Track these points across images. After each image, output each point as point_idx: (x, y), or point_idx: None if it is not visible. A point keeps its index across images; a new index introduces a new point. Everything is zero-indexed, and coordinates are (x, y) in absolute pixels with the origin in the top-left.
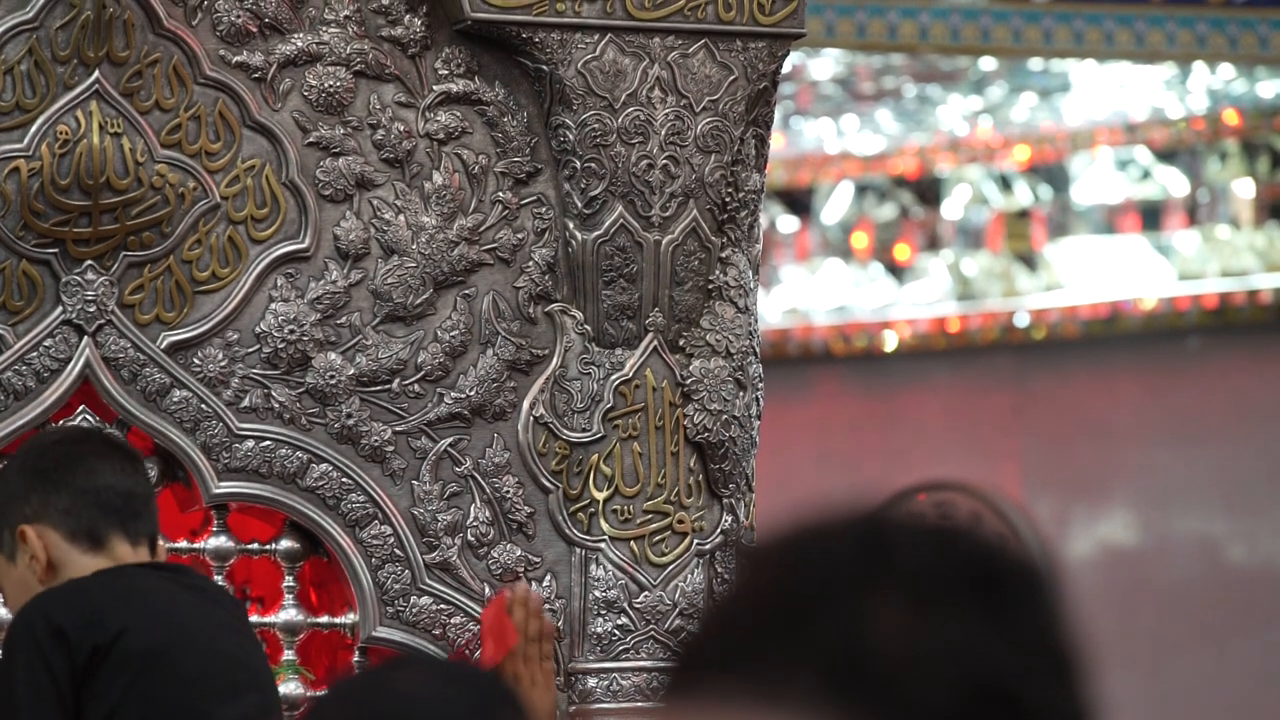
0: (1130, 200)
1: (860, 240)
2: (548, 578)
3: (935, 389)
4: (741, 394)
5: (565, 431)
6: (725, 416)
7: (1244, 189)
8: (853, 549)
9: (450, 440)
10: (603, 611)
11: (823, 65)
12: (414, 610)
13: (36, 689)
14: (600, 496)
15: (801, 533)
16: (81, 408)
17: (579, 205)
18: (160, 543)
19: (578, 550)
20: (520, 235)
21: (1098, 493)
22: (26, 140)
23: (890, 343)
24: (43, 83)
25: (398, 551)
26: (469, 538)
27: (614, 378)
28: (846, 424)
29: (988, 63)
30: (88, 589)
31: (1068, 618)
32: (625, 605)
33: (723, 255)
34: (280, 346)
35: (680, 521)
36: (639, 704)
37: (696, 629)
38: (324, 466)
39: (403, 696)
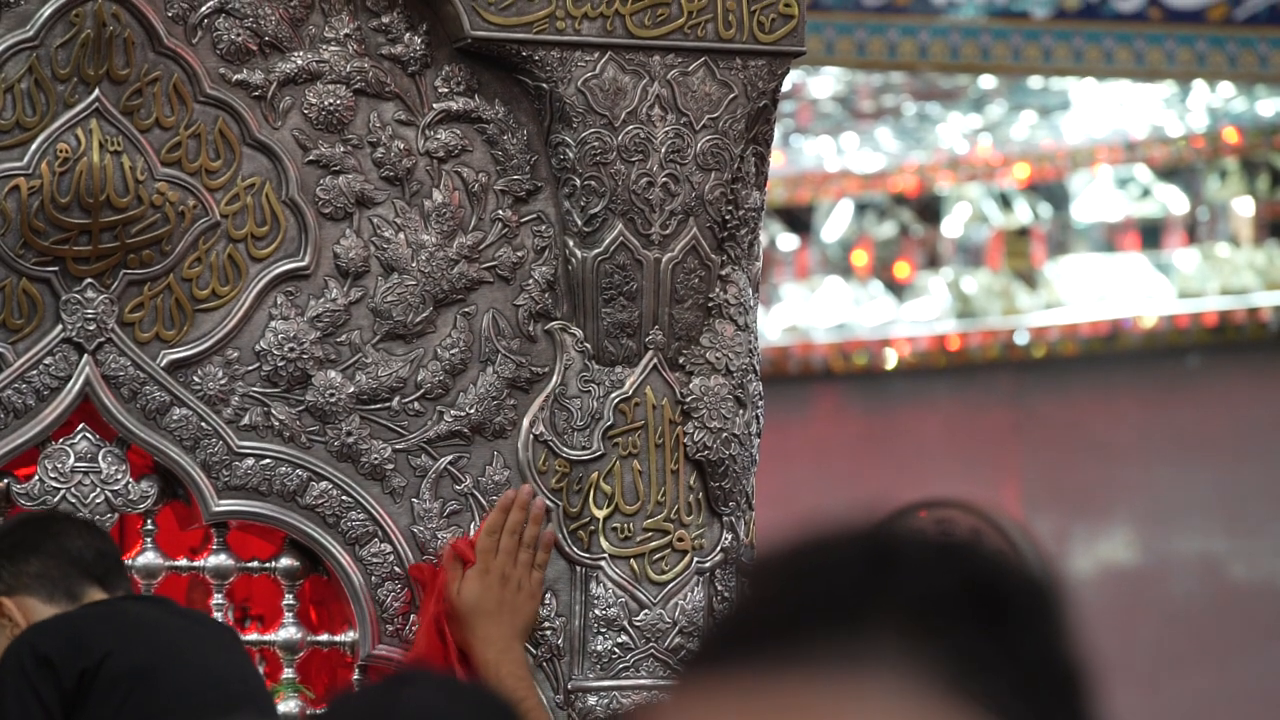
0: (1130, 218)
1: (860, 258)
2: (547, 595)
3: (935, 407)
4: (741, 412)
5: (565, 449)
6: (725, 434)
7: (1244, 207)
8: (855, 564)
9: (450, 458)
10: (603, 630)
11: (823, 83)
12: (414, 628)
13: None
14: (600, 514)
15: (803, 548)
16: (81, 426)
17: (579, 223)
18: None
19: (578, 568)
20: (520, 253)
21: (1098, 510)
22: (26, 158)
23: (890, 360)
24: (43, 101)
25: (398, 569)
26: None
27: (614, 395)
28: (846, 442)
29: (987, 81)
30: (72, 617)
31: (1072, 636)
32: (625, 623)
33: (723, 273)
34: (280, 364)
35: (680, 539)
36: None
37: (696, 644)
38: (324, 484)
39: (407, 712)
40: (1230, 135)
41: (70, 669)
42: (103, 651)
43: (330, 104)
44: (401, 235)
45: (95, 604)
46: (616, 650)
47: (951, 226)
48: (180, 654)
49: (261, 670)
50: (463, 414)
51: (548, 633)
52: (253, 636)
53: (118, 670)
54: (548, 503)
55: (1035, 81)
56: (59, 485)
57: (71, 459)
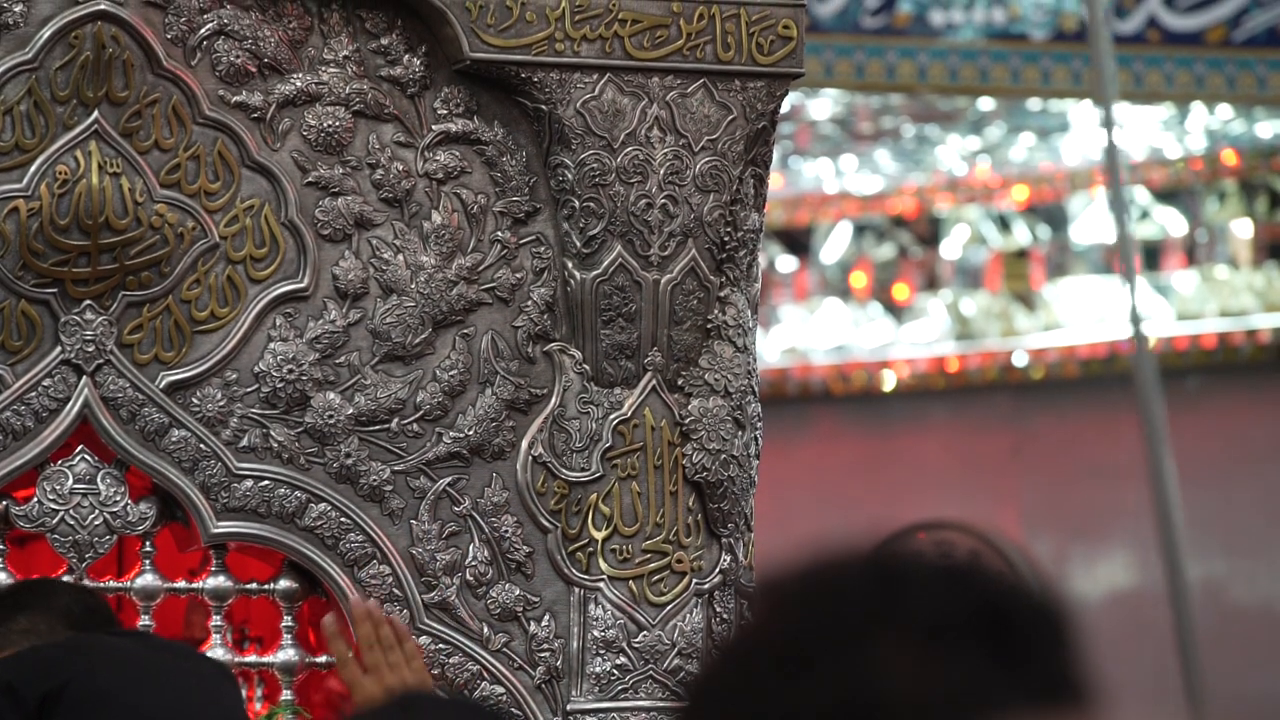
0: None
1: (859, 280)
2: (546, 617)
3: (934, 428)
4: (740, 433)
5: (564, 471)
6: (724, 456)
7: (1242, 229)
8: (863, 589)
9: (449, 480)
10: (601, 651)
11: (821, 105)
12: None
13: None
14: (599, 536)
15: (810, 573)
16: (80, 447)
17: (578, 244)
18: None
19: (576, 590)
20: (519, 274)
21: (1097, 533)
22: (26, 180)
23: (889, 382)
24: (42, 123)
25: (396, 591)
26: (468, 577)
27: (613, 417)
28: (845, 463)
29: (986, 103)
30: (39, 646)
31: (1081, 657)
32: (624, 645)
33: (721, 294)
34: (279, 386)
35: (679, 561)
36: None
37: (701, 670)
38: (322, 506)
39: None
40: (1229, 157)
41: (31, 693)
42: (65, 676)
43: (329, 126)
44: (400, 257)
45: (69, 636)
46: (615, 672)
47: (950, 248)
48: (147, 681)
49: (260, 692)
50: (461, 435)
51: (546, 654)
52: (251, 658)
53: (80, 694)
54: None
55: (1034, 103)
56: (58, 507)
57: (70, 481)
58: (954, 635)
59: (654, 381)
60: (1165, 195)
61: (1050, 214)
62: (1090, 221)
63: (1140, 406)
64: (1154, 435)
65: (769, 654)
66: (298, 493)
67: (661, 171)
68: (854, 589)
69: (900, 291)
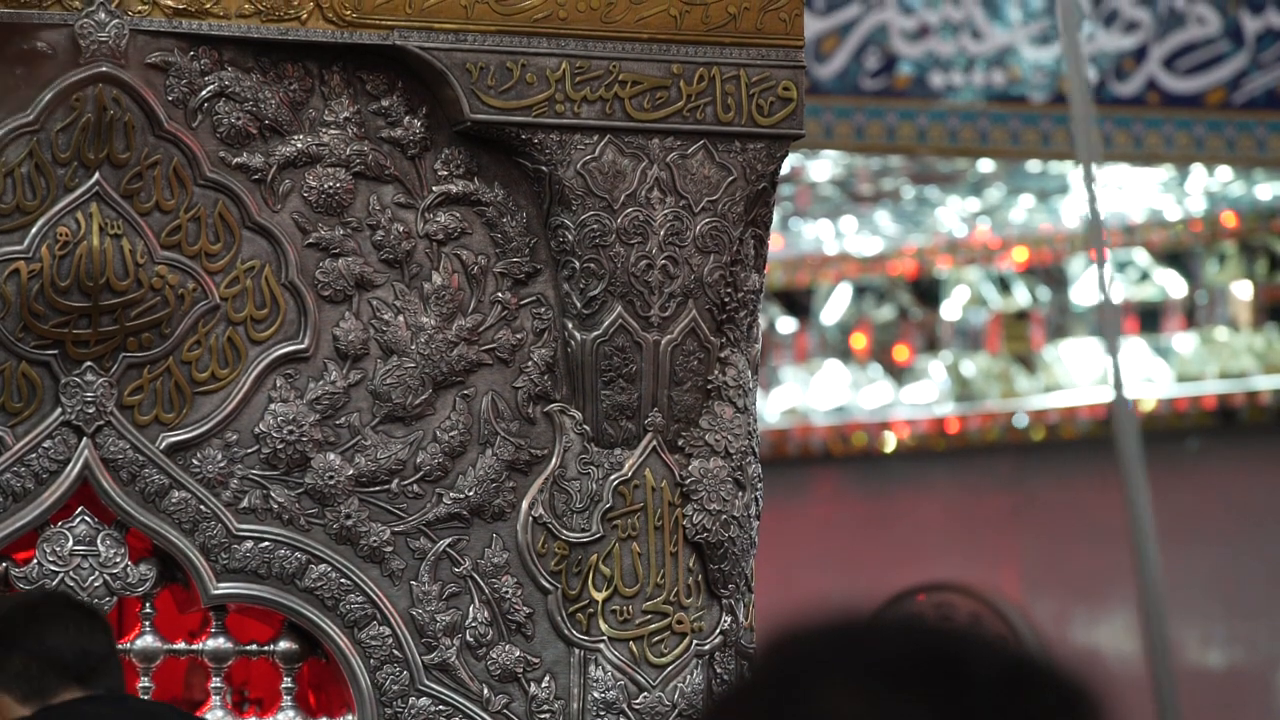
0: (1129, 302)
1: (859, 341)
2: (546, 678)
3: (934, 490)
4: (740, 494)
5: (564, 532)
6: (724, 516)
7: (1242, 291)
8: (827, 638)
9: (449, 540)
10: (602, 712)
11: (821, 167)
12: (413, 711)
13: None
14: (599, 597)
15: (795, 628)
16: (80, 509)
17: (578, 305)
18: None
19: (577, 651)
20: (519, 335)
21: (1097, 594)
22: (27, 242)
23: (889, 443)
24: (43, 185)
25: (396, 652)
26: (468, 638)
27: (613, 478)
28: (846, 525)
29: (986, 164)
30: None
31: (1048, 714)
32: (624, 706)
33: (722, 355)
34: (279, 447)
35: (679, 622)
36: None
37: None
38: (323, 567)
39: None
40: (1228, 219)
41: None
42: None
43: (330, 187)
44: (401, 318)
45: (49, 709)
46: None
47: (950, 309)
48: None
49: None
50: (462, 496)
51: (546, 716)
52: None
53: None
54: (546, 586)
55: (1033, 165)
56: (57, 568)
57: (70, 542)
58: (898, 682)
59: (654, 442)
60: (1165, 257)
61: (1050, 275)
62: (1090, 283)
63: (1123, 474)
64: (1137, 501)
65: (749, 695)
66: (298, 554)
67: (662, 232)
68: (820, 639)
69: (900, 353)
